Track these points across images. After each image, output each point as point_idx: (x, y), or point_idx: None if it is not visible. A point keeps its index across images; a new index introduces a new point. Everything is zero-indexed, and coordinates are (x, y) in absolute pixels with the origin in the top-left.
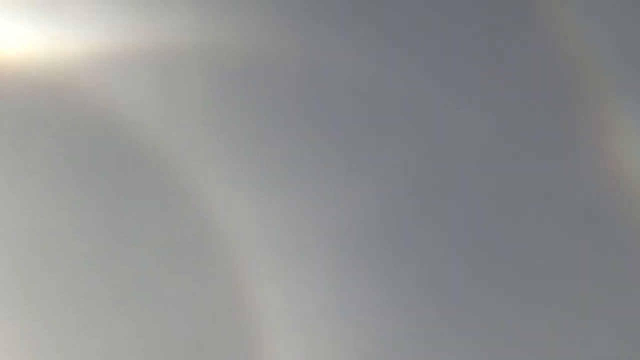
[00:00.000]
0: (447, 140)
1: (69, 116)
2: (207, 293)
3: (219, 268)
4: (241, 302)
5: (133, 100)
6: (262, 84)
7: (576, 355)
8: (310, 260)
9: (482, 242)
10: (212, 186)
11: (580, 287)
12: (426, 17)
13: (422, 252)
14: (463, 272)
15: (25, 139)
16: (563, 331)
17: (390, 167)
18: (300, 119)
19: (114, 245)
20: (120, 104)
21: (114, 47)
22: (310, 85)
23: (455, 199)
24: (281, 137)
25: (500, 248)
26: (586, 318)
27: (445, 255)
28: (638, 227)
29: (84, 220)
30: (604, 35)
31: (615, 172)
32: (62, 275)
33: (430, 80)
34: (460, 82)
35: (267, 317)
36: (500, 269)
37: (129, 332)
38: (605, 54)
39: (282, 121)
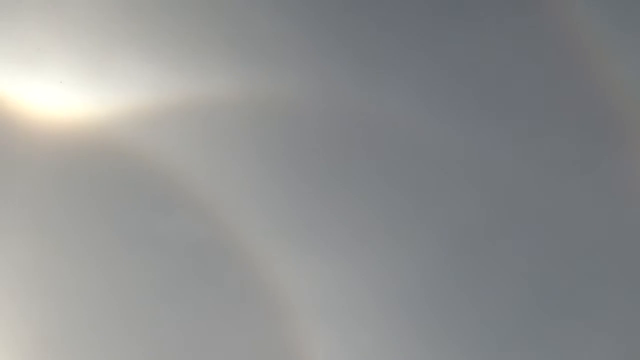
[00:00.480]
0: (496, 202)
1: (117, 173)
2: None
3: (266, 329)
4: None
5: (179, 156)
6: (307, 139)
7: None
8: (356, 323)
9: (535, 303)
10: (255, 244)
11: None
12: (478, 75)
13: (470, 315)
14: (512, 331)
15: (74, 197)
16: None
17: (438, 229)
18: (345, 177)
19: (147, 298)
20: (165, 160)
21: (160, 104)
22: (356, 142)
23: (504, 261)
24: (325, 195)
25: (557, 309)
26: None
27: (494, 318)
28: None
29: (126, 278)
30: None
31: None
32: None
33: (486, 141)
34: (513, 145)
35: None
36: (559, 332)
37: None
38: None
39: (327, 178)
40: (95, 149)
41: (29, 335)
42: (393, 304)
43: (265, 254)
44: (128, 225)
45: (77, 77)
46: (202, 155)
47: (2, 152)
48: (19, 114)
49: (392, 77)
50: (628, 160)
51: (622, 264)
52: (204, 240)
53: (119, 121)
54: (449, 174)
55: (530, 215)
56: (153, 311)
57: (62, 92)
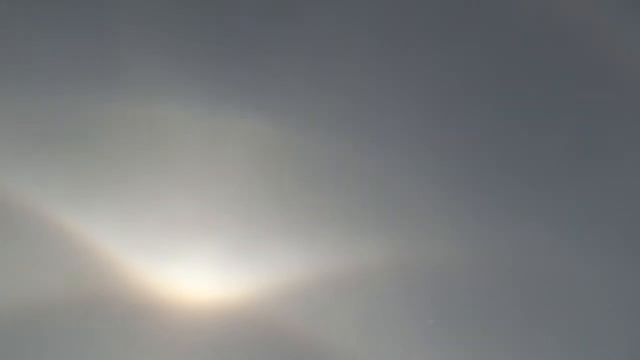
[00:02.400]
0: None
1: (274, 350)
2: None
3: None
4: None
5: (332, 328)
6: (458, 297)
7: None
8: None
9: None
10: None
11: None
12: None
13: None
14: None
15: None
16: None
17: None
18: (503, 333)
19: None
20: (321, 331)
21: (308, 278)
22: (508, 296)
23: None
24: (484, 351)
25: None
26: None
27: None
28: None
29: None
30: None
31: None
32: None
33: None
34: None
35: None
36: None
37: None
38: None
39: (485, 336)
40: (251, 327)
41: None
42: None
43: None
44: None
45: (226, 259)
46: (355, 325)
47: (160, 336)
48: (173, 299)
49: (545, 229)
50: None
51: None
52: None
53: (273, 299)
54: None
55: None
56: None
57: (214, 275)
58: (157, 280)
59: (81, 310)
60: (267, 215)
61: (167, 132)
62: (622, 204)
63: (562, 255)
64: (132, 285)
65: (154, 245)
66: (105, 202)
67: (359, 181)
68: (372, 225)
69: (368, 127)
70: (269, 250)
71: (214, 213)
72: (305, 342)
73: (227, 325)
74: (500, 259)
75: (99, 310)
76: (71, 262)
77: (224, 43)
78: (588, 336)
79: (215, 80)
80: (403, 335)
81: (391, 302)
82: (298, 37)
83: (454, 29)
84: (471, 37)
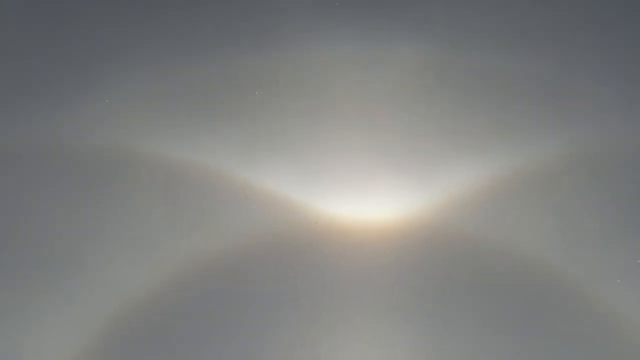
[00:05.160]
0: None
1: (456, 261)
2: None
3: None
4: None
5: (516, 228)
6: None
7: None
8: None
9: None
10: None
11: None
12: None
13: None
14: None
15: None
16: None
17: None
18: None
19: None
20: (505, 233)
21: (487, 182)
22: None
23: None
24: None
25: None
26: None
27: None
28: None
29: None
30: None
31: None
32: None
33: None
34: None
35: None
36: None
37: None
38: None
39: None
40: (440, 238)
41: None
42: None
43: None
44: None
45: (402, 184)
46: (537, 224)
47: (355, 262)
48: (359, 228)
49: None
50: None
51: None
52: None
53: (457, 209)
54: None
55: None
56: None
57: (392, 201)
58: (341, 212)
59: (276, 251)
60: (436, 132)
61: (327, 72)
62: None
63: None
64: (318, 221)
65: (332, 182)
66: (279, 151)
67: (525, 86)
68: (544, 124)
69: (528, 36)
70: (445, 165)
71: (385, 141)
72: (491, 246)
73: (418, 240)
74: None
75: (292, 249)
76: (258, 209)
77: None
78: None
79: (365, 15)
80: (584, 233)
81: (571, 198)
82: None
83: None
84: None
